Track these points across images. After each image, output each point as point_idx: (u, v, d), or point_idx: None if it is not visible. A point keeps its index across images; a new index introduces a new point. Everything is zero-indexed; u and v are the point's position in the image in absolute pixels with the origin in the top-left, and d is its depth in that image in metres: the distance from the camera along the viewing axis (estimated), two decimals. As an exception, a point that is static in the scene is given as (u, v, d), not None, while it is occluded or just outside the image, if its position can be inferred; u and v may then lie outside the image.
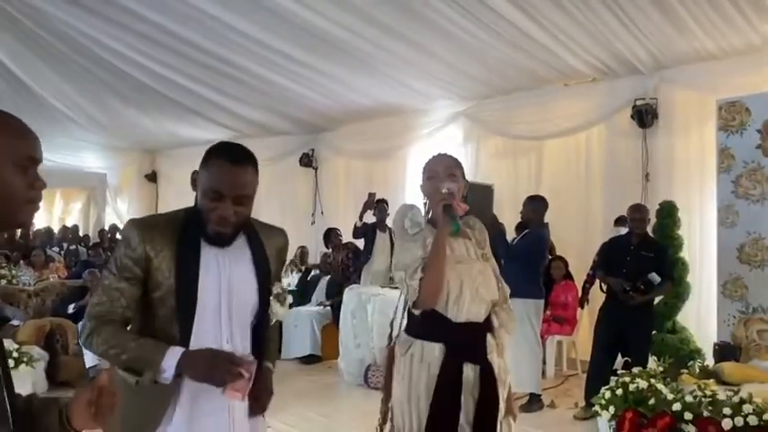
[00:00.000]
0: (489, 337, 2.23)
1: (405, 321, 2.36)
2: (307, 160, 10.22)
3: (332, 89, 8.30)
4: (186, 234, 1.80)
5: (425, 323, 2.22)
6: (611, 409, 4.16)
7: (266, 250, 1.92)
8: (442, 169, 2.30)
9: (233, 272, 1.84)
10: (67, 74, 8.98)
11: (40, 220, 15.13)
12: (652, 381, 4.17)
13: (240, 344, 1.84)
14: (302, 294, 7.98)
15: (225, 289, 1.82)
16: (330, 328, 7.09)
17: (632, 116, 6.69)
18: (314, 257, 9.37)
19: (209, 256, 1.81)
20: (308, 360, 7.09)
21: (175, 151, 13.03)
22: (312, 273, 8.45)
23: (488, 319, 2.25)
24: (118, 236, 11.73)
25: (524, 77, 7.32)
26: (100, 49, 7.96)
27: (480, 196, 7.36)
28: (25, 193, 1.23)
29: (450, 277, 2.18)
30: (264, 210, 6.57)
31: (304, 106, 9.07)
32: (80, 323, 1.68)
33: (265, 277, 1.90)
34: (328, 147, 10.12)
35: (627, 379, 4.26)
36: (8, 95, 10.01)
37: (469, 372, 2.17)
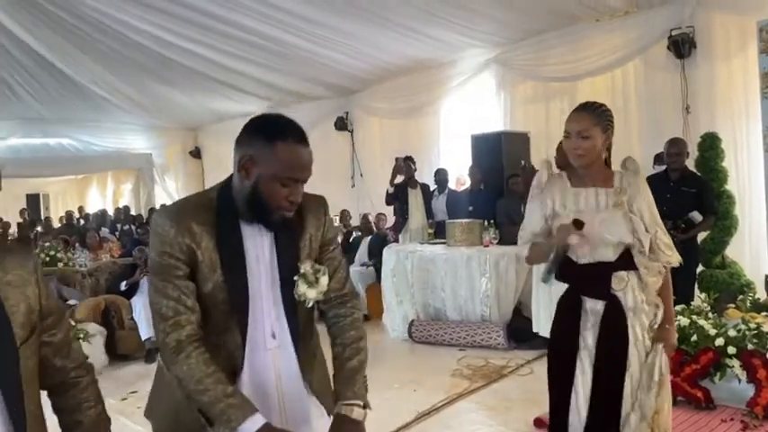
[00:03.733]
0: (622, 273, 2.27)
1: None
2: (341, 124, 10.23)
3: (359, 50, 8.23)
4: (224, 218, 1.59)
5: (561, 266, 2.37)
6: (653, 348, 4.08)
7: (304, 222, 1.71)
8: (575, 130, 2.27)
9: (270, 253, 1.65)
10: (102, 59, 9.15)
11: (95, 203, 15.74)
12: (694, 317, 4.08)
13: (284, 338, 1.67)
14: (345, 256, 8.04)
15: (265, 274, 1.64)
16: (375, 287, 7.16)
17: (669, 47, 6.41)
18: (355, 220, 9.44)
19: (249, 240, 1.62)
20: (356, 320, 7.20)
21: (215, 126, 13.22)
22: (354, 234, 8.52)
23: (625, 258, 2.28)
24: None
25: (554, 16, 7.07)
26: (129, 31, 8.08)
27: (518, 144, 7.28)
28: None
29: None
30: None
31: (334, 69, 9.03)
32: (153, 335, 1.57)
33: (286, 252, 1.66)
34: (361, 108, 10.08)
35: (668, 317, 4.16)
36: (52, 86, 10.35)
37: (593, 305, 2.30)
